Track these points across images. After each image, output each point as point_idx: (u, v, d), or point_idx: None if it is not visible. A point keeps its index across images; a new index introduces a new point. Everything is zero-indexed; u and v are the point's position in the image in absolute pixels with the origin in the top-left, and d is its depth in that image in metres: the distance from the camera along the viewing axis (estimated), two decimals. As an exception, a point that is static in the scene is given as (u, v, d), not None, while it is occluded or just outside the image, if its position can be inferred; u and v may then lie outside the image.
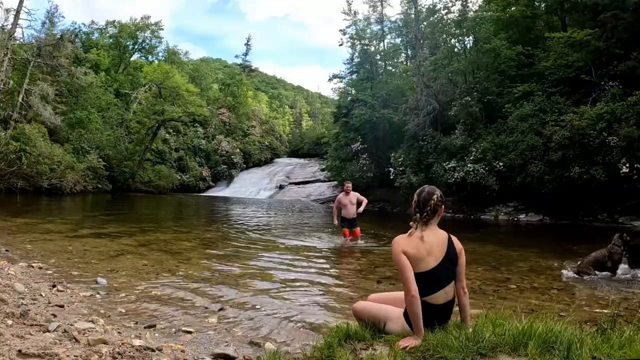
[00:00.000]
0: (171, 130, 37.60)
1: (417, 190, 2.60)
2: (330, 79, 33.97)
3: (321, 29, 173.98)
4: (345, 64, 33.13)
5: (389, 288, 4.69)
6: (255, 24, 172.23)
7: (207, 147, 40.36)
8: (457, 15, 23.22)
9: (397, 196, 22.13)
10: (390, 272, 5.63)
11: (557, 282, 5.52)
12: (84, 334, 2.68)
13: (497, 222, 16.63)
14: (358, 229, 8.60)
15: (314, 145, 46.31)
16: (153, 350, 2.56)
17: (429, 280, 2.42)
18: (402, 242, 2.45)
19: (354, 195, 8.54)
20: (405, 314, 2.48)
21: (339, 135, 29.48)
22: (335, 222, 8.82)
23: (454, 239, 2.56)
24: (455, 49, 23.78)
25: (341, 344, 2.42)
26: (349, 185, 8.74)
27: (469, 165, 18.31)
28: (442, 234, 2.53)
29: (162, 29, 40.09)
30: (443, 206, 2.56)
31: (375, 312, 2.63)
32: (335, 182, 31.08)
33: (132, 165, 29.46)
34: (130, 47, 38.92)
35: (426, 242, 2.45)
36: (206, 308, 3.96)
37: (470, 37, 23.37)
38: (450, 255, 2.48)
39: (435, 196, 2.50)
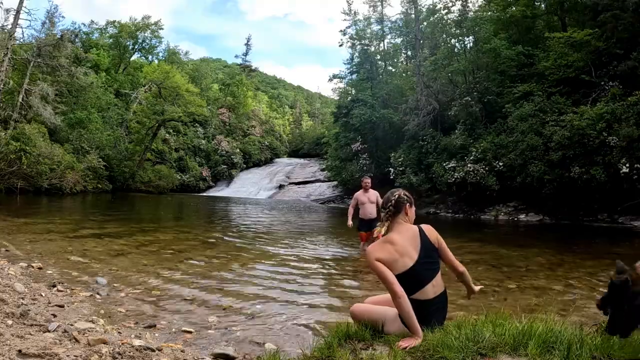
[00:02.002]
0: (171, 130, 37.62)
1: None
2: (330, 79, 34.16)
3: (321, 29, 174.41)
4: (345, 64, 33.28)
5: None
6: (255, 23, 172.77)
7: (207, 147, 40.38)
8: (457, 15, 23.27)
9: (397, 196, 22.17)
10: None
11: (557, 282, 5.52)
12: (84, 334, 2.68)
13: (497, 222, 16.62)
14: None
15: (314, 145, 46.34)
16: (153, 350, 2.56)
17: (411, 278, 2.43)
18: (374, 250, 2.47)
19: (374, 194, 7.40)
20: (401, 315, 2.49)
21: (339, 135, 29.52)
22: (350, 223, 7.58)
23: (426, 228, 2.58)
24: (455, 49, 23.80)
25: (341, 344, 2.42)
26: (367, 180, 7.50)
27: (469, 165, 18.33)
28: (413, 230, 2.55)
29: (162, 29, 40.24)
30: (409, 205, 2.62)
31: (373, 314, 2.65)
32: (335, 182, 31.10)
33: (132, 165, 29.46)
34: (130, 47, 38.95)
35: (396, 244, 2.47)
36: (206, 308, 3.96)
37: (470, 37, 23.41)
38: (427, 248, 2.50)
39: (397, 194, 2.60)
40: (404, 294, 2.35)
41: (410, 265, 2.43)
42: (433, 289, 2.47)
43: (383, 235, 2.58)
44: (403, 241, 2.49)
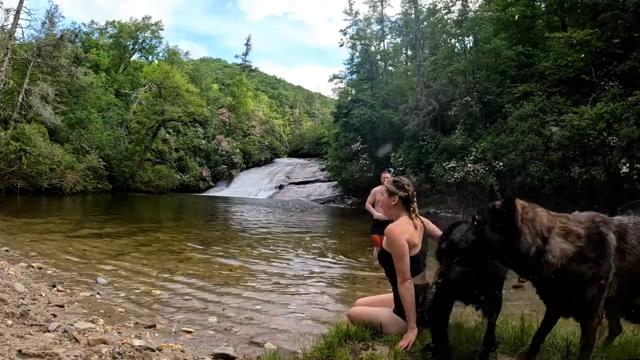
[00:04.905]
0: (171, 130, 37.59)
1: (405, 182, 2.70)
2: (330, 79, 34.12)
3: (321, 29, 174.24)
4: (345, 64, 33.24)
5: (389, 290, 4.69)
6: (254, 23, 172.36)
7: (207, 147, 40.34)
8: (457, 15, 23.26)
9: (397, 196, 22.20)
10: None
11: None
12: (84, 334, 2.68)
13: (497, 222, 16.60)
14: None
15: (314, 145, 46.27)
16: (153, 350, 2.56)
17: (415, 264, 2.55)
18: (404, 231, 2.54)
19: None
20: (396, 311, 2.53)
21: (339, 135, 29.48)
22: (377, 214, 6.47)
23: (424, 219, 2.75)
24: (455, 49, 23.78)
25: (341, 344, 2.42)
26: (387, 175, 6.23)
27: (469, 165, 18.32)
28: (421, 219, 2.73)
29: (162, 29, 40.10)
30: None
31: (368, 317, 2.70)
32: (335, 182, 31.08)
33: (132, 165, 29.43)
34: (130, 47, 38.90)
35: (418, 229, 2.59)
36: (206, 308, 3.97)
37: (470, 37, 23.38)
38: (426, 237, 2.67)
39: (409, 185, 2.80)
40: (411, 279, 2.46)
41: (419, 250, 2.57)
42: (424, 277, 2.63)
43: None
44: (420, 228, 2.62)
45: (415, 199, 2.70)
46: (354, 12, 30.32)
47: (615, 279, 1.73)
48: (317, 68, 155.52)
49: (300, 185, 36.01)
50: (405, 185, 2.67)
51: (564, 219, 1.81)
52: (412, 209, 2.65)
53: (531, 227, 1.75)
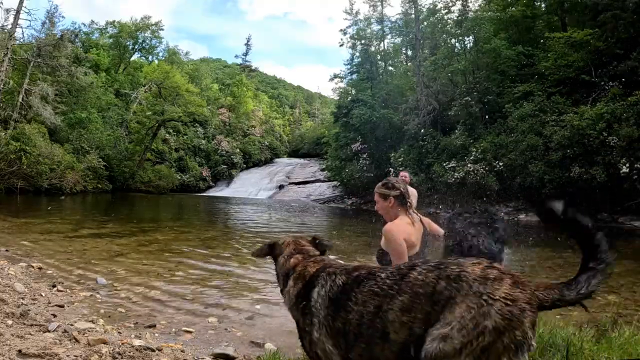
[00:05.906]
0: (171, 130, 37.58)
1: (393, 181, 2.72)
2: (330, 79, 34.16)
3: (321, 29, 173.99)
4: (345, 64, 33.23)
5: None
6: (254, 23, 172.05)
7: (207, 147, 40.34)
8: (457, 15, 23.27)
9: (397, 196, 22.20)
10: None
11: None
12: (84, 334, 2.68)
13: (497, 222, 16.58)
14: None
15: (314, 145, 46.23)
16: (153, 350, 2.56)
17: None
18: (402, 231, 2.53)
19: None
20: None
21: (339, 135, 29.47)
22: None
23: (424, 219, 2.77)
24: (455, 49, 23.80)
25: (341, 344, 2.42)
26: (405, 174, 5.85)
27: (469, 165, 18.32)
28: (419, 218, 2.74)
29: (162, 29, 40.05)
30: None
31: None
32: (335, 182, 31.08)
33: (132, 165, 29.45)
34: (130, 47, 38.87)
35: (416, 227, 2.59)
36: (206, 308, 3.96)
37: (470, 37, 23.39)
38: (425, 235, 2.70)
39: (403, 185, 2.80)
40: None
41: (417, 251, 2.56)
42: None
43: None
44: (418, 224, 2.63)
45: (409, 194, 2.72)
46: (354, 12, 30.35)
47: (330, 343, 1.41)
48: (317, 68, 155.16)
49: (300, 185, 35.99)
50: (395, 184, 2.70)
51: (310, 263, 1.63)
52: (408, 204, 2.67)
53: (281, 267, 1.72)
